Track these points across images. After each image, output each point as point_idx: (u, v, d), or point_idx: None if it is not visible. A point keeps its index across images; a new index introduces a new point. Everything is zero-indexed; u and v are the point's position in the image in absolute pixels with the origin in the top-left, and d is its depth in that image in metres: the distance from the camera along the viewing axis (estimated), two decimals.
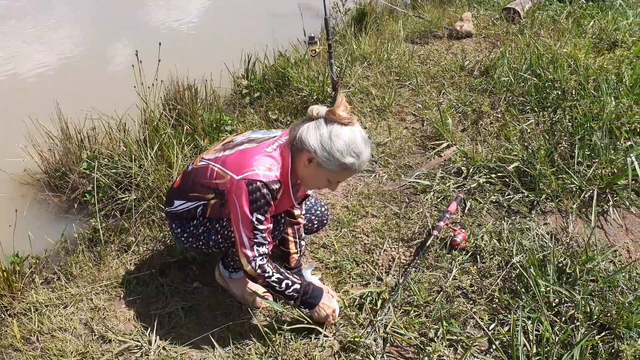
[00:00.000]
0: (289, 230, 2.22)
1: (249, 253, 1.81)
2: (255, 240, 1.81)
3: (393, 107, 3.73)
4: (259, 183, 1.75)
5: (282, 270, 1.91)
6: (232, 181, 1.79)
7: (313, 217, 2.40)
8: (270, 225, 1.85)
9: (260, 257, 1.83)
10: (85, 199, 3.00)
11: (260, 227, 1.80)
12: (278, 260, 2.23)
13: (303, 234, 2.30)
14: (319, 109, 1.77)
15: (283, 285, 1.88)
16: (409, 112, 3.70)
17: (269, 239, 1.85)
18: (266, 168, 1.78)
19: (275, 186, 1.79)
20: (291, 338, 1.97)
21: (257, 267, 1.82)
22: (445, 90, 3.85)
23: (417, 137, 3.38)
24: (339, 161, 1.73)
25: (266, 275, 1.85)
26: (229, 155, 1.89)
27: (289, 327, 1.97)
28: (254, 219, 1.78)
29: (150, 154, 2.95)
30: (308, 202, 2.40)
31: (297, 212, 2.23)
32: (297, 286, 1.90)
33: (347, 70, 4.23)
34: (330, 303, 1.98)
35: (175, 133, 3.18)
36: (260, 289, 2.17)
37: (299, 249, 2.26)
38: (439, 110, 3.48)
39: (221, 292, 2.25)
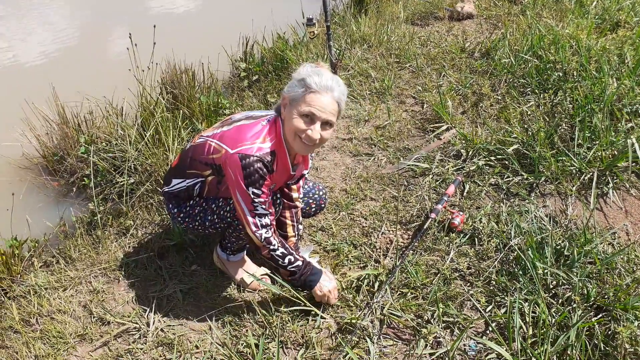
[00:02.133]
0: (287, 214, 2.22)
1: (251, 222, 1.85)
2: (256, 212, 1.84)
3: (393, 89, 3.70)
4: (252, 158, 1.77)
5: (287, 245, 1.96)
6: (227, 155, 1.82)
7: (311, 201, 2.39)
8: (269, 198, 1.88)
9: (265, 230, 1.87)
10: (83, 182, 3.00)
11: (258, 200, 1.82)
12: None
13: (301, 218, 2.30)
14: None
15: (286, 260, 1.92)
16: (409, 94, 3.67)
17: (270, 210, 1.88)
18: (261, 140, 1.82)
19: (269, 157, 1.81)
20: (288, 320, 1.98)
21: (262, 239, 1.87)
22: (446, 73, 3.80)
23: (416, 120, 3.36)
24: (297, 80, 1.80)
25: (271, 247, 1.89)
26: (227, 130, 1.91)
27: (286, 309, 1.98)
28: (250, 193, 1.80)
29: (147, 137, 2.93)
30: (306, 186, 2.39)
31: (294, 195, 2.22)
32: (299, 263, 1.95)
33: (347, 52, 4.18)
34: (329, 281, 2.01)
35: (172, 117, 3.16)
36: (258, 272, 2.18)
37: (296, 233, 2.25)
38: (438, 92, 3.45)
39: (219, 274, 2.26)
